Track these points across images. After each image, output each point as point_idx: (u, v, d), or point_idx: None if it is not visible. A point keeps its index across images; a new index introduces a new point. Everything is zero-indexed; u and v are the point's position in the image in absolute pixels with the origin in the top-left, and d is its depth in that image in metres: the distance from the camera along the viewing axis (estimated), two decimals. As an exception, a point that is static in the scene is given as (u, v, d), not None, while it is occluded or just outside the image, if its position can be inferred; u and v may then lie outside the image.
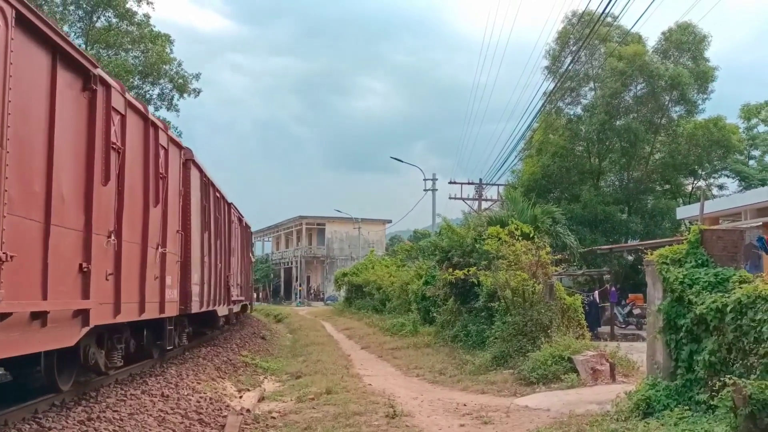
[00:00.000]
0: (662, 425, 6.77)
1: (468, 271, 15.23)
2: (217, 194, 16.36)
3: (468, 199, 37.36)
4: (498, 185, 37.14)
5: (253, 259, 37.36)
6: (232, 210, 19.66)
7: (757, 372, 6.27)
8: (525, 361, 11.77)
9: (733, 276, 7.32)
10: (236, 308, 21.53)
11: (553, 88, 31.31)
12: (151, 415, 8.01)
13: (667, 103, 33.41)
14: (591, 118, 33.08)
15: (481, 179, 37.53)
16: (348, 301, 39.73)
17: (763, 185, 33.16)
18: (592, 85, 34.40)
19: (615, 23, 31.40)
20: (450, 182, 38.20)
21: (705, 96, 33.45)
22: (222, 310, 17.25)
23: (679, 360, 7.59)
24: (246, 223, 24.53)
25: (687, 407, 7.08)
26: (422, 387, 11.86)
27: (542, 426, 7.54)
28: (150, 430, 7.40)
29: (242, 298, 22.88)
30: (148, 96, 31.21)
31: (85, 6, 29.31)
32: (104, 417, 7.58)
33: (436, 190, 39.24)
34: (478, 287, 15.76)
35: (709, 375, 7.03)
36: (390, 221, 70.53)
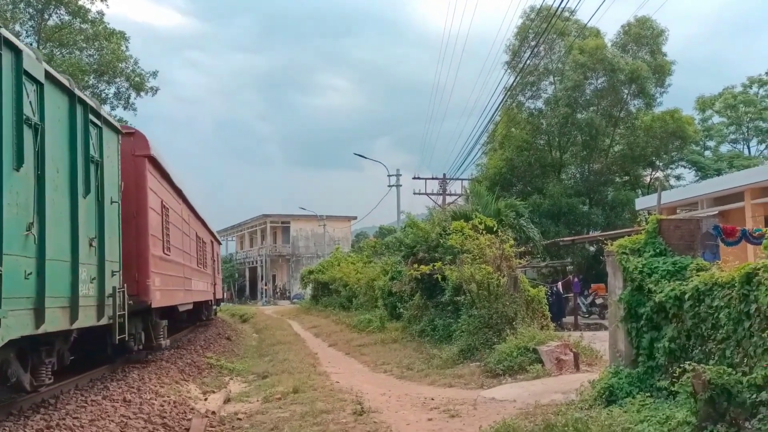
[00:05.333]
0: (625, 412, 6.87)
1: (433, 266, 15.26)
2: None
3: (432, 194, 37.37)
4: (462, 179, 37.27)
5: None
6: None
7: (716, 358, 6.41)
8: (491, 353, 11.88)
9: (690, 264, 7.46)
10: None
11: (513, 82, 31.56)
12: (113, 420, 7.84)
13: (626, 96, 33.97)
14: (553, 111, 33.45)
15: (444, 174, 37.57)
16: (315, 299, 39.54)
17: (718, 175, 34.08)
18: (552, 79, 34.79)
19: (573, 18, 31.80)
20: (414, 177, 38.07)
21: (663, 89, 34.16)
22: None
23: (640, 348, 7.72)
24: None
25: (649, 394, 7.20)
26: (390, 383, 11.87)
27: (509, 417, 7.58)
28: (112, 436, 7.24)
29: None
30: (103, 95, 30.41)
31: (35, 3, 28.45)
32: (64, 425, 7.38)
33: (401, 185, 39.14)
34: (444, 282, 15.82)
35: (670, 362, 7.17)
36: (355, 218, 70.36)
